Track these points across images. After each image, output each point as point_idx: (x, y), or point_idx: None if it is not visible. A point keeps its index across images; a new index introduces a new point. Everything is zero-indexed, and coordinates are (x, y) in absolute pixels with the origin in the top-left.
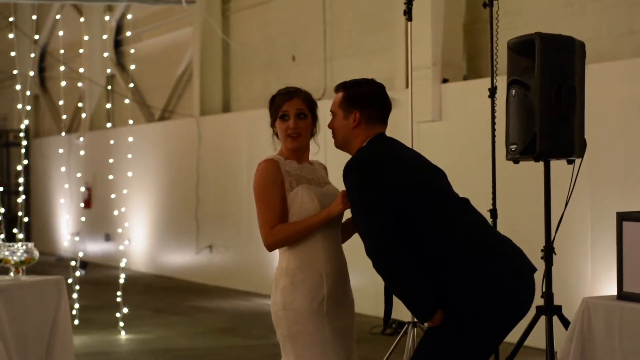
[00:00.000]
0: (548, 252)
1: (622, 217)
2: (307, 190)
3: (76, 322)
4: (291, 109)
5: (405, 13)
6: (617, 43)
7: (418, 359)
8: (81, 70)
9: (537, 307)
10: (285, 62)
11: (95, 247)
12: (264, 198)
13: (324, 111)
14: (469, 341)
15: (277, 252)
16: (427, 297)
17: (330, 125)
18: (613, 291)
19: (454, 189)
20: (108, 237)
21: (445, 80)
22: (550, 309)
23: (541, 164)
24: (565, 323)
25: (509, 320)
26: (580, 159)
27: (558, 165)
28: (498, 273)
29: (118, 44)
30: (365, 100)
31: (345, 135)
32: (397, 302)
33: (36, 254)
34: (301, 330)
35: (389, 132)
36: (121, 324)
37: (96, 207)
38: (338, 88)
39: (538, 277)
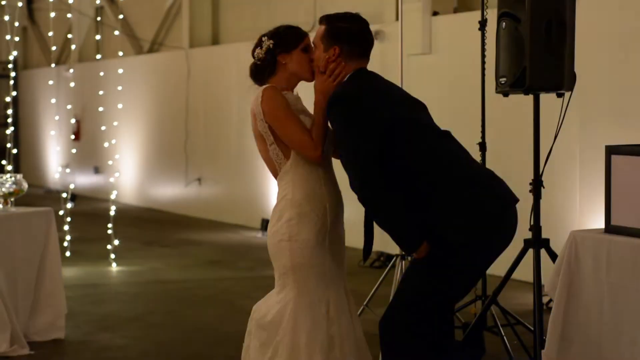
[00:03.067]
0: (537, 185)
1: (611, 151)
2: (304, 121)
3: (67, 254)
4: (311, 43)
5: None
6: None
7: (404, 290)
8: (70, 1)
9: (525, 240)
10: None
11: (84, 180)
12: (288, 116)
13: None
14: (454, 271)
15: (270, 185)
16: (412, 228)
17: (311, 57)
18: (601, 225)
19: (435, 122)
20: (97, 170)
21: (435, 13)
22: (538, 242)
23: (531, 97)
24: (553, 256)
25: (493, 248)
26: (570, 92)
27: (547, 99)
28: (482, 201)
29: None
30: (346, 35)
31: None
32: (383, 236)
33: (25, 185)
34: (305, 263)
35: (378, 65)
36: (112, 255)
37: (85, 140)
38: (321, 20)
39: (526, 210)
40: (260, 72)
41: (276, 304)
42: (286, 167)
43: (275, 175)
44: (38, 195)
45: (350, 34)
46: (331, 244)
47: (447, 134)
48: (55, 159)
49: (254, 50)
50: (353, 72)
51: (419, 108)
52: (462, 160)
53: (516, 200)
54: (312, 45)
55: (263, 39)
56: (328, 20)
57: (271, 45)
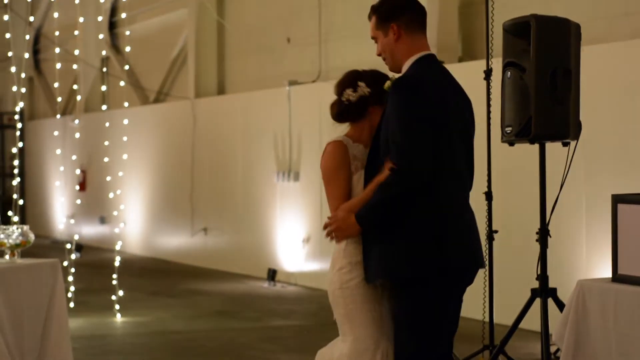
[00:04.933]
0: (543, 234)
1: (617, 200)
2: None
3: (72, 305)
4: None
5: None
6: (612, 25)
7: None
8: (76, 52)
9: (532, 290)
10: (280, 44)
11: (89, 230)
12: (332, 181)
13: (319, 95)
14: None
15: (276, 235)
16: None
17: (378, 52)
18: (608, 274)
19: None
20: (103, 220)
21: (441, 62)
22: (545, 291)
23: (536, 146)
24: (560, 305)
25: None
26: (576, 141)
27: (553, 148)
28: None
29: (113, 25)
30: (397, 9)
31: (392, 53)
32: None
33: (31, 236)
34: (359, 309)
35: None
36: (117, 306)
37: (91, 190)
38: (370, 14)
39: (533, 259)
40: (345, 114)
41: (337, 351)
42: None
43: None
44: (44, 245)
45: (401, 6)
46: (385, 292)
47: (462, 181)
48: (60, 210)
49: (342, 88)
50: (421, 57)
51: (466, 147)
52: (463, 212)
53: (480, 265)
54: None
55: (360, 84)
56: (375, 8)
57: (367, 93)
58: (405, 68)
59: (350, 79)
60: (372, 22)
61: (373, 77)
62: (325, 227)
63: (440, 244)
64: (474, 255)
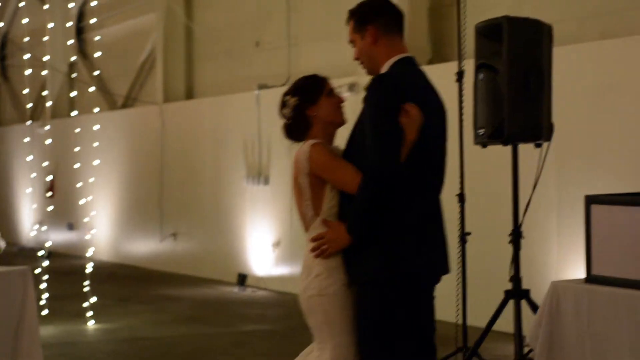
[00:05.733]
0: (516, 236)
1: (591, 200)
2: None
3: (44, 312)
4: (332, 86)
5: None
6: (582, 26)
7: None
8: (46, 58)
9: (506, 291)
10: (249, 48)
11: (57, 237)
12: (337, 166)
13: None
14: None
15: (246, 240)
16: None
17: (355, 56)
18: (580, 274)
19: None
20: (71, 226)
21: None
22: (519, 293)
23: (508, 147)
24: (534, 307)
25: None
26: (548, 142)
27: (525, 149)
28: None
29: (81, 31)
30: (374, 12)
31: (370, 56)
32: None
33: (2, 243)
34: (339, 316)
35: (354, 116)
36: (88, 313)
37: (59, 196)
38: (347, 18)
39: (506, 261)
40: (295, 131)
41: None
42: (316, 223)
43: (306, 230)
44: (11, 253)
45: (378, 9)
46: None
47: (434, 192)
48: (28, 216)
49: (281, 112)
50: (400, 59)
51: (437, 153)
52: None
53: (443, 273)
54: (334, 88)
55: (286, 98)
56: (352, 12)
57: (296, 102)
58: (383, 70)
59: (281, 100)
60: (350, 26)
61: (294, 85)
62: (314, 239)
63: (406, 249)
64: (442, 262)
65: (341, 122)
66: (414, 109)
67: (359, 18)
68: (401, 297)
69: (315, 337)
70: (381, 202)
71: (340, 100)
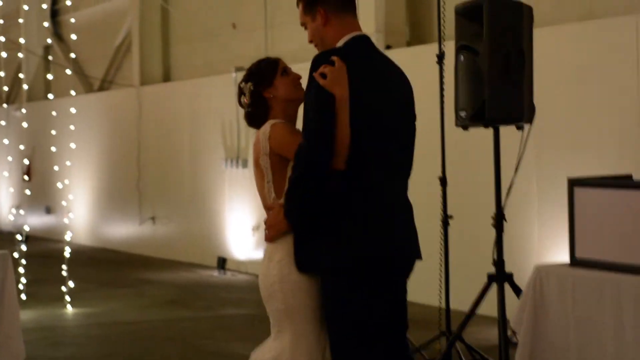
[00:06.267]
0: (499, 219)
1: (574, 183)
2: None
3: (22, 296)
4: (285, 65)
5: None
6: (561, 7)
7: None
8: (21, 40)
9: (489, 275)
10: (226, 30)
11: (35, 220)
12: (296, 141)
13: None
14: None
15: (225, 223)
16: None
17: (309, 39)
18: (561, 258)
19: (406, 151)
20: (49, 210)
21: (388, 47)
22: (502, 277)
23: (489, 130)
24: (517, 291)
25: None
26: (530, 124)
27: (505, 131)
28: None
29: (56, 13)
30: None
31: (322, 37)
32: None
33: None
34: (300, 304)
35: None
36: (67, 298)
37: (36, 180)
38: (297, 1)
39: (489, 244)
40: (256, 116)
41: (272, 350)
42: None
43: (268, 212)
44: None
45: None
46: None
47: (394, 174)
48: (6, 200)
49: (239, 101)
50: (351, 39)
51: (398, 131)
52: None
53: (411, 257)
54: (288, 67)
55: (242, 85)
56: None
57: (252, 87)
58: None
59: (238, 88)
60: (300, 8)
61: (247, 71)
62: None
63: (358, 234)
64: (401, 246)
65: (301, 99)
66: (336, 62)
67: (307, 0)
68: (359, 285)
69: (272, 324)
70: (308, 183)
71: (297, 77)
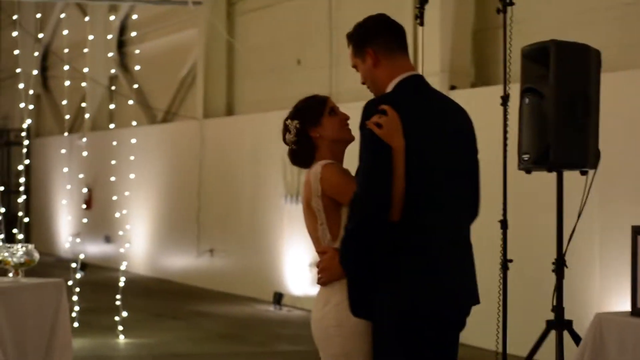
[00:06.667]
0: (559, 265)
1: (638, 231)
2: None
3: (75, 324)
4: (334, 104)
5: (416, 18)
6: (629, 52)
7: None
8: (85, 70)
9: (548, 322)
10: (291, 66)
11: (94, 249)
12: (348, 184)
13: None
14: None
15: (283, 258)
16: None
17: (361, 81)
18: (623, 306)
19: (468, 189)
20: (108, 239)
21: (452, 87)
22: (561, 324)
23: (553, 174)
24: (576, 338)
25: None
26: (594, 170)
27: (568, 176)
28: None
29: (122, 44)
30: (371, 33)
31: (373, 79)
32: None
33: (36, 255)
34: (357, 348)
35: None
36: (120, 327)
37: (96, 209)
38: (347, 41)
39: (548, 290)
40: (302, 155)
41: None
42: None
43: (320, 255)
44: (48, 263)
45: (374, 29)
46: None
47: (445, 212)
48: (66, 228)
49: (284, 138)
50: (403, 80)
51: (457, 172)
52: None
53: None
54: (336, 106)
55: (287, 122)
56: (349, 35)
57: (298, 125)
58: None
59: (283, 126)
60: (350, 50)
61: (294, 108)
62: (318, 266)
63: (409, 287)
64: (454, 298)
65: (348, 140)
66: (388, 112)
67: (357, 41)
68: (412, 339)
69: None
70: (365, 233)
71: (345, 117)
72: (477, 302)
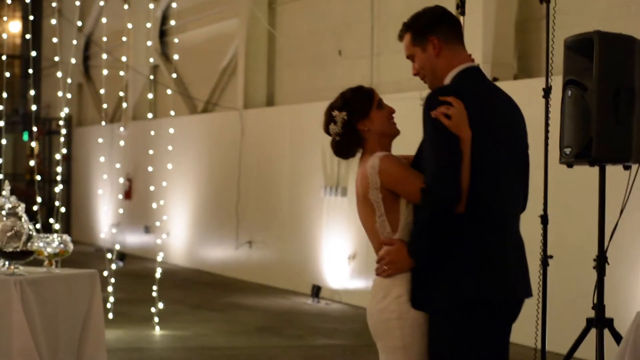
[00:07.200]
0: (601, 261)
1: None
2: None
3: (110, 315)
4: (380, 97)
5: (457, 7)
6: None
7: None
8: (124, 59)
9: (588, 319)
10: (331, 56)
11: (134, 239)
12: (408, 175)
13: None
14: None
15: (321, 251)
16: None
17: (415, 71)
18: None
19: (522, 185)
20: (147, 229)
21: (495, 79)
22: (602, 322)
23: (594, 168)
24: (617, 337)
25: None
26: (638, 164)
27: (611, 170)
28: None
29: (163, 33)
30: (434, 21)
31: (433, 69)
32: None
33: (70, 246)
34: (417, 341)
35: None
36: (156, 319)
37: (136, 199)
38: (402, 32)
39: (589, 287)
40: (345, 147)
41: None
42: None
43: (378, 248)
44: (88, 253)
45: (438, 19)
46: None
47: (511, 210)
48: (105, 218)
49: (327, 127)
50: (463, 70)
51: (515, 166)
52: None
53: (523, 296)
54: (382, 99)
55: (334, 113)
56: (408, 25)
57: (346, 117)
58: (446, 82)
59: (327, 116)
60: (407, 40)
61: (341, 99)
62: (379, 260)
63: (472, 277)
64: (512, 289)
65: (395, 133)
66: (455, 103)
67: (418, 29)
68: (471, 328)
69: None
70: (439, 224)
71: (391, 111)
72: (530, 294)
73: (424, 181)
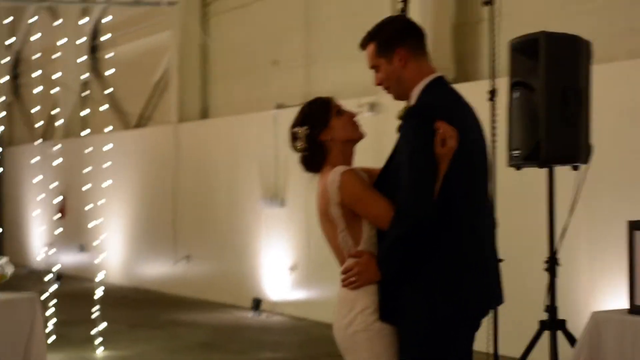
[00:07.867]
0: (552, 263)
1: (634, 226)
2: None
3: (52, 338)
4: (338, 104)
5: (402, 12)
6: (616, 43)
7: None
8: (56, 75)
9: (541, 322)
10: (266, 66)
11: (68, 259)
12: (369, 197)
13: None
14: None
15: (261, 263)
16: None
17: (378, 81)
18: (619, 305)
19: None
20: (82, 248)
21: None
22: (555, 323)
23: (542, 170)
24: (570, 338)
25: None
26: (586, 165)
27: (559, 171)
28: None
29: (94, 48)
30: (401, 33)
31: (400, 80)
32: None
33: (9, 270)
34: (385, 352)
35: (374, 137)
36: (99, 339)
37: (70, 218)
38: (365, 41)
39: (541, 289)
40: (313, 161)
41: None
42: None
43: (342, 263)
44: (22, 275)
45: (404, 30)
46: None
47: (489, 206)
48: (39, 238)
49: (293, 146)
50: (431, 81)
51: (484, 170)
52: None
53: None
54: (340, 105)
55: (295, 130)
56: (372, 35)
57: (307, 131)
58: (414, 94)
59: (291, 133)
60: (371, 50)
61: (300, 114)
62: (345, 271)
63: (460, 289)
64: (494, 294)
65: (359, 137)
66: (451, 133)
67: (384, 40)
68: (443, 339)
69: None
70: (413, 241)
71: (351, 115)
72: (502, 301)
73: (392, 201)
